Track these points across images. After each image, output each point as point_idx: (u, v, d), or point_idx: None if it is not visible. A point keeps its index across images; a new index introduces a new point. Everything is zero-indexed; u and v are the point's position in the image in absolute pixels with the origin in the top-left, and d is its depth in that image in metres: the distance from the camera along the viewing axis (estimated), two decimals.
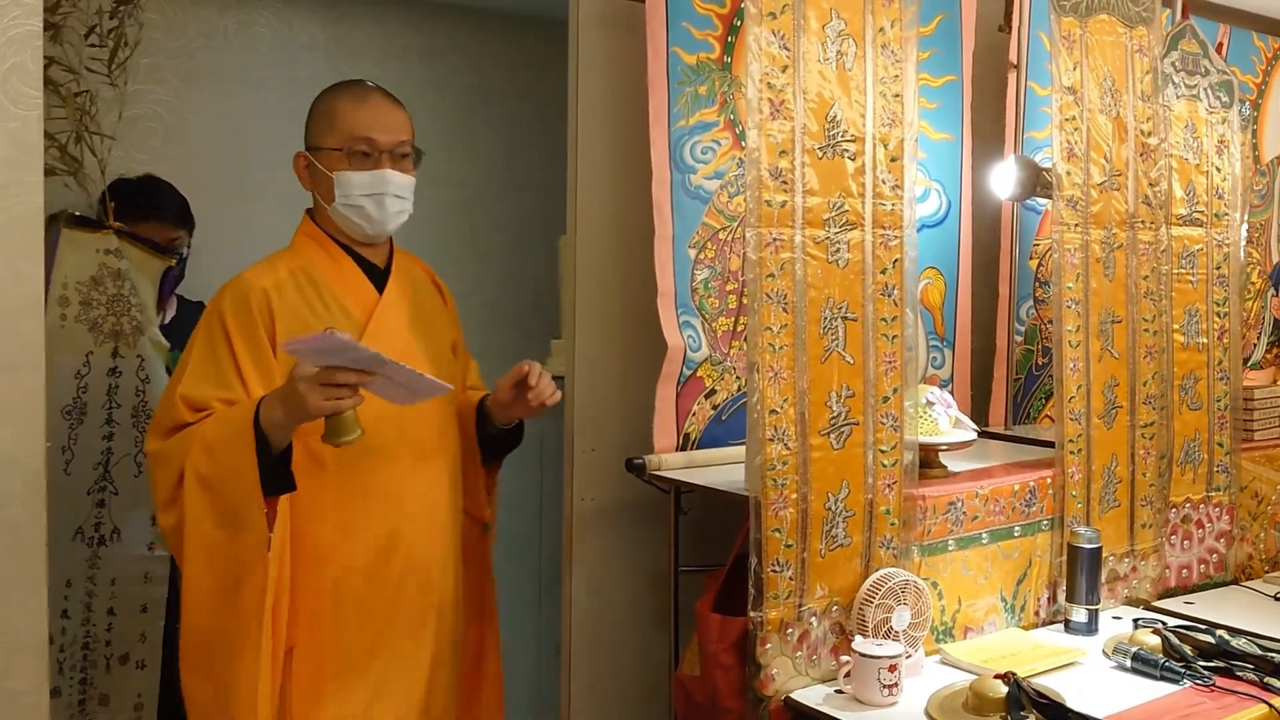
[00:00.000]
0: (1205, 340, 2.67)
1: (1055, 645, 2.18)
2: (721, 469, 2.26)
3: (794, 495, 1.94)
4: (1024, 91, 2.83)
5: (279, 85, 3.07)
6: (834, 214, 1.99)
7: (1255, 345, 3.28)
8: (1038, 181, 2.64)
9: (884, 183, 2.05)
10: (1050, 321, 2.56)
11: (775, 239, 1.93)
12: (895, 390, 2.06)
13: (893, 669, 1.89)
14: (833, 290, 1.99)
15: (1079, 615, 2.28)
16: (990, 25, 2.83)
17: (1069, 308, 2.36)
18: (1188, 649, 2.11)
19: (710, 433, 2.36)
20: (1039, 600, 2.34)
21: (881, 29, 2.05)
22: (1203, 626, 2.22)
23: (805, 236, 1.96)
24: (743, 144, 2.31)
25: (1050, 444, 2.42)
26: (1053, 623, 2.34)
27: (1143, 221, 2.49)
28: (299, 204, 1.99)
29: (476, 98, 3.54)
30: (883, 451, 2.05)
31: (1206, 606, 2.48)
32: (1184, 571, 2.63)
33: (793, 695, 1.93)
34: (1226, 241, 2.73)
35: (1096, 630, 2.28)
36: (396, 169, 1.91)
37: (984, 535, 2.22)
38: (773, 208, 1.93)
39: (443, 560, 1.98)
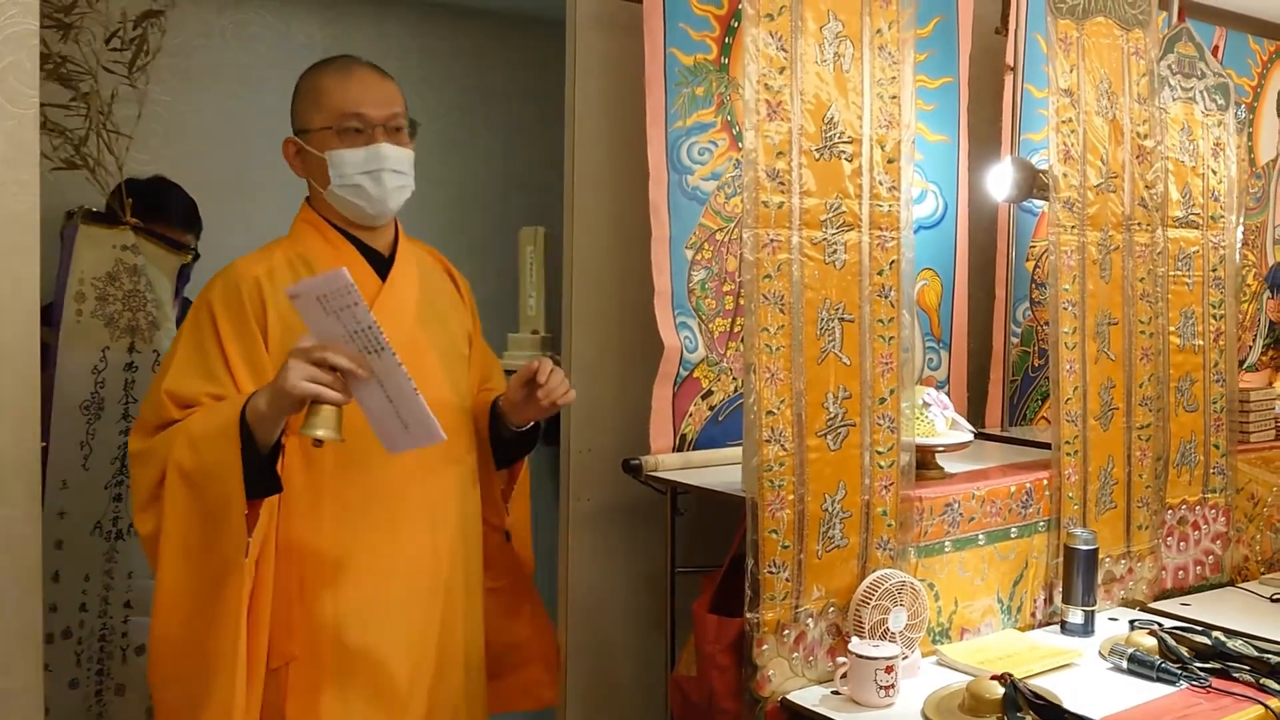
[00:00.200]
0: (1201, 342, 2.67)
1: (1051, 646, 2.18)
2: (718, 470, 2.25)
3: (790, 496, 1.94)
4: (1020, 93, 2.83)
5: (277, 85, 3.02)
6: (831, 215, 1.99)
7: (1251, 347, 3.28)
8: (1034, 183, 2.64)
9: (881, 184, 2.05)
10: (1047, 323, 2.56)
11: (772, 240, 1.93)
12: (892, 392, 2.06)
13: (889, 670, 1.89)
14: (830, 291, 1.99)
15: (1075, 616, 2.28)
16: (987, 27, 2.83)
17: (1065, 309, 2.36)
18: (1184, 650, 2.11)
19: (707, 434, 2.36)
20: (1035, 601, 2.34)
21: (879, 31, 2.05)
22: (1199, 628, 2.22)
23: (802, 238, 1.96)
24: (740, 145, 2.30)
25: (1047, 445, 2.43)
26: (1049, 624, 2.34)
27: (1139, 224, 2.50)
28: (298, 203, 1.93)
29: (475, 98, 3.55)
30: (879, 453, 2.05)
31: (1203, 608, 2.49)
32: (1180, 573, 2.64)
33: (789, 696, 1.93)
34: (1222, 244, 2.73)
35: (1093, 631, 2.28)
36: (391, 142, 1.79)
37: (980, 536, 2.22)
38: (770, 209, 1.93)
39: (450, 576, 1.87)
